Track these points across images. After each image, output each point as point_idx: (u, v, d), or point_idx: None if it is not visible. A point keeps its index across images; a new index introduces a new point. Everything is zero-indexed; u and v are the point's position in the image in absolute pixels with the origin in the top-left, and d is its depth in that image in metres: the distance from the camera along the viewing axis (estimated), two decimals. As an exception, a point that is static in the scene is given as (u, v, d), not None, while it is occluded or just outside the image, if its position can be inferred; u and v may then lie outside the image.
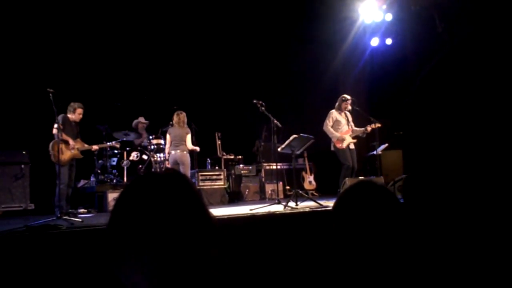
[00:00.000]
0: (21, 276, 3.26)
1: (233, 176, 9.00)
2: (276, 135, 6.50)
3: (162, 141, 8.09)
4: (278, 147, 6.53)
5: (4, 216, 6.47)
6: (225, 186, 8.43)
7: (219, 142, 9.23)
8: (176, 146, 7.19)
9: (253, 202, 8.02)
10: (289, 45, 9.96)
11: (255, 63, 9.91)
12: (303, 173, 9.29)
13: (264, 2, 9.16)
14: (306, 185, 9.12)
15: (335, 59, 10.27)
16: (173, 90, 9.28)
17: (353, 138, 7.36)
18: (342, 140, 7.22)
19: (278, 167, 8.47)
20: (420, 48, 8.81)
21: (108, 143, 7.44)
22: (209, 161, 8.97)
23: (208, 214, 0.92)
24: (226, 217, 4.57)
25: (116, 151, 7.96)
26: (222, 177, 8.29)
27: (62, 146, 6.05)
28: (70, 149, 6.31)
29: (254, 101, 6.36)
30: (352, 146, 7.34)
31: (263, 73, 9.98)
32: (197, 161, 8.32)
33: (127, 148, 8.12)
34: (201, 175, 8.09)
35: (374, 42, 10.08)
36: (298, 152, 6.87)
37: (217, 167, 8.82)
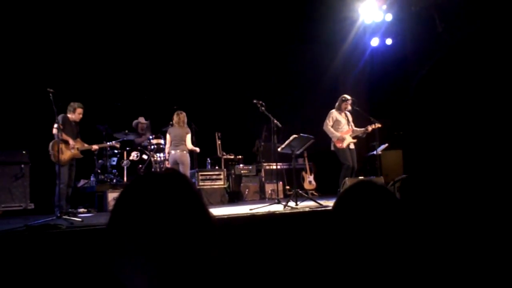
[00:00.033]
0: (21, 276, 3.26)
1: (233, 176, 9.00)
2: (276, 135, 6.50)
3: (162, 141, 8.09)
4: (278, 147, 6.53)
5: (4, 215, 6.47)
6: (225, 186, 8.43)
7: (219, 142, 9.23)
8: (176, 146, 7.19)
9: (253, 202, 8.02)
10: (289, 45, 9.96)
11: (255, 63, 9.91)
12: (303, 173, 9.29)
13: (264, 2, 9.16)
14: (306, 185, 9.12)
15: (335, 59, 10.27)
16: (173, 90, 9.28)
17: (353, 138, 7.36)
18: (342, 139, 7.22)
19: (278, 167, 8.48)
20: (420, 48, 8.81)
21: (108, 143, 7.44)
22: (209, 161, 8.97)
23: (208, 214, 0.92)
24: (226, 217, 4.57)
25: (116, 151, 7.96)
26: (222, 177, 8.29)
27: (62, 146, 6.06)
28: (70, 149, 6.31)
29: (254, 101, 6.36)
30: (352, 146, 7.34)
31: (263, 73, 9.98)
32: (197, 161, 8.32)
33: (127, 148, 8.12)
34: (201, 175, 8.09)
35: (374, 42, 10.08)
36: (298, 152, 6.87)
37: (217, 167, 8.82)
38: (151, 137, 8.23)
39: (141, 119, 8.85)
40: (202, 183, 8.03)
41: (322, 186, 9.22)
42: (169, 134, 7.32)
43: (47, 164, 6.30)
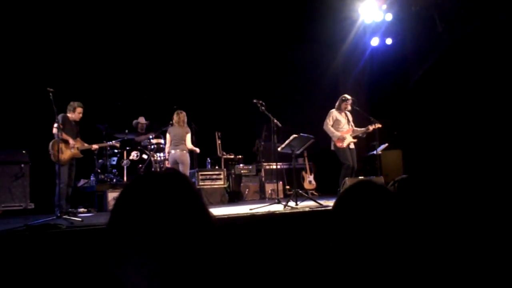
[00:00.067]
0: (21, 275, 3.26)
1: (233, 175, 9.00)
2: (276, 134, 6.50)
3: (162, 141, 8.09)
4: (278, 146, 6.53)
5: (4, 215, 6.47)
6: (225, 185, 8.43)
7: (219, 142, 9.23)
8: (175, 146, 7.19)
9: (253, 201, 8.02)
10: (289, 45, 9.96)
11: (255, 63, 9.90)
12: (303, 172, 9.29)
13: (264, 2, 9.16)
14: (306, 185, 9.12)
15: (335, 59, 10.27)
16: (173, 90, 9.28)
17: (354, 138, 7.36)
18: (342, 139, 7.21)
19: (278, 166, 8.48)
20: (420, 48, 8.81)
21: (108, 143, 7.44)
22: (209, 160, 8.97)
23: (208, 213, 0.92)
24: (226, 216, 4.57)
25: (116, 151, 7.97)
26: (222, 176, 8.28)
27: (62, 145, 6.06)
28: (70, 148, 6.31)
29: (254, 101, 6.36)
30: (352, 146, 7.34)
31: (263, 73, 9.98)
32: (197, 160, 8.32)
33: (127, 148, 8.12)
34: (201, 175, 8.09)
35: (374, 42, 10.08)
36: (298, 152, 6.87)
37: (217, 167, 8.82)
38: (151, 136, 8.23)
39: (141, 119, 8.85)
40: (202, 183, 8.03)
41: (322, 186, 9.22)
42: (169, 133, 7.32)
43: (47, 164, 6.29)
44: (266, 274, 3.80)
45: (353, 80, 10.34)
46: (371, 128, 7.26)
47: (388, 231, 1.18)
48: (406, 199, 1.13)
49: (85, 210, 6.85)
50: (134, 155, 8.06)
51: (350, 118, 7.49)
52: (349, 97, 7.47)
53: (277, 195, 7.09)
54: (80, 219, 4.96)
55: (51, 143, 6.06)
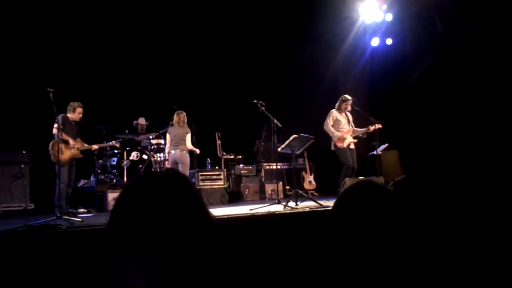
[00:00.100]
0: (21, 276, 3.26)
1: (233, 176, 9.00)
2: (276, 135, 6.50)
3: (162, 141, 8.09)
4: (278, 147, 6.53)
5: (4, 215, 6.47)
6: (225, 186, 8.42)
7: (219, 142, 9.23)
8: (175, 146, 7.19)
9: (253, 202, 8.02)
10: (289, 45, 9.96)
11: (255, 63, 9.91)
12: (303, 173, 9.29)
13: (265, 2, 9.16)
14: (306, 185, 9.11)
15: (335, 59, 10.27)
16: (173, 90, 9.28)
17: (354, 138, 7.36)
18: (343, 139, 7.21)
19: (278, 167, 8.47)
20: (420, 48, 8.82)
21: (108, 143, 7.44)
22: (209, 161, 8.97)
23: (208, 214, 0.92)
24: (226, 217, 4.57)
25: (116, 151, 7.97)
26: (222, 177, 8.28)
27: (62, 145, 6.06)
28: (70, 148, 6.31)
29: (254, 101, 6.36)
30: (352, 146, 7.34)
31: (263, 73, 9.98)
32: (197, 161, 8.32)
33: (127, 148, 8.12)
34: (201, 175, 8.09)
35: (375, 42, 10.09)
36: (298, 152, 6.87)
37: (217, 167, 8.82)
38: (151, 136, 8.23)
39: (141, 120, 8.85)
40: (202, 183, 8.02)
41: (322, 186, 9.22)
42: (169, 134, 7.32)
43: (47, 164, 6.30)
44: (266, 274, 3.80)
45: (353, 80, 10.34)
46: (371, 128, 7.26)
47: (388, 231, 1.18)
48: (403, 199, 1.13)
49: (85, 210, 6.86)
50: (134, 155, 8.06)
51: (351, 119, 7.49)
52: (349, 97, 7.47)
53: (277, 196, 7.08)
54: (80, 220, 4.96)
55: (51, 144, 6.06)
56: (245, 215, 5.03)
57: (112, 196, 6.91)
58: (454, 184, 0.48)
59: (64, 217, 5.00)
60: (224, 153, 9.27)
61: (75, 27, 8.14)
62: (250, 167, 9.18)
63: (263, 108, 6.33)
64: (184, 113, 7.37)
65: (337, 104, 7.46)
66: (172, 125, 7.42)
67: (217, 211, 5.38)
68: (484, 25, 0.49)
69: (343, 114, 7.44)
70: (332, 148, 7.35)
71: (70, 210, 6.21)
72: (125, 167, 7.89)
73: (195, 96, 9.27)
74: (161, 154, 7.96)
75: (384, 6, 9.43)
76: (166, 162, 7.61)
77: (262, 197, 8.80)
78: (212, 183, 8.14)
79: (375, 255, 1.17)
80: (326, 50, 10.15)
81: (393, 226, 1.18)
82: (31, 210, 6.72)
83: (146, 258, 0.83)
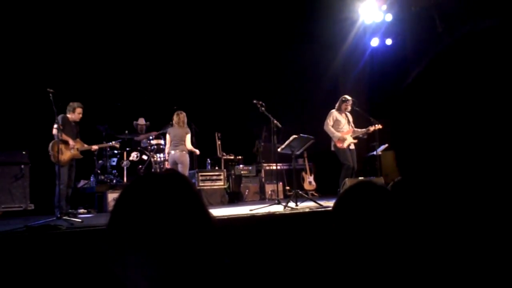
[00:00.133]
0: (21, 276, 3.26)
1: (233, 176, 8.99)
2: (276, 135, 6.50)
3: (162, 141, 8.09)
4: (278, 147, 6.53)
5: (4, 216, 6.47)
6: (225, 186, 8.42)
7: (219, 142, 9.23)
8: (175, 146, 7.19)
9: (253, 202, 8.02)
10: (289, 45, 9.96)
11: (255, 63, 9.91)
12: (303, 173, 9.28)
13: (265, 2, 9.16)
14: (306, 186, 9.11)
15: (335, 60, 10.27)
16: (173, 90, 9.28)
17: (354, 138, 7.36)
18: (343, 140, 7.21)
19: (278, 167, 8.47)
20: (420, 48, 8.82)
21: (108, 143, 7.44)
22: (209, 161, 8.97)
23: (208, 214, 0.92)
24: (226, 217, 4.57)
25: (116, 151, 7.96)
26: (222, 177, 8.28)
27: (62, 146, 6.05)
28: (70, 149, 6.31)
29: (254, 101, 6.36)
30: (352, 147, 7.34)
31: (263, 73, 9.99)
32: (197, 161, 8.32)
33: (127, 148, 8.12)
34: (201, 176, 8.08)
35: (374, 42, 10.09)
36: (298, 153, 6.87)
37: (217, 168, 8.82)
38: (151, 137, 8.23)
39: (141, 121, 8.85)
40: (202, 184, 8.02)
41: (322, 187, 9.21)
42: (169, 134, 7.32)
43: (47, 165, 6.29)
44: (266, 274, 3.80)
45: (353, 80, 10.34)
46: (371, 129, 7.26)
47: (388, 232, 1.18)
48: (401, 200, 1.13)
49: (85, 211, 6.85)
50: (134, 156, 8.06)
51: (351, 119, 7.49)
52: (349, 97, 7.47)
53: (277, 196, 7.08)
54: (80, 220, 4.96)
55: (51, 144, 6.06)
56: (245, 215, 5.02)
57: (112, 196, 6.91)
58: (451, 185, 0.48)
59: (64, 217, 5.00)
60: (224, 154, 9.27)
61: (75, 27, 8.15)
62: (250, 168, 9.18)
63: (263, 108, 6.33)
64: (184, 114, 7.37)
65: (337, 105, 7.46)
66: (172, 125, 7.42)
67: (217, 212, 5.38)
68: (481, 26, 0.49)
69: (343, 114, 7.44)
70: (332, 148, 7.35)
71: (70, 210, 6.20)
72: (125, 168, 7.89)
73: (195, 97, 9.27)
74: (161, 155, 7.95)
75: (384, 7, 9.44)
76: (166, 163, 7.61)
77: (262, 198, 8.80)
78: (212, 184, 8.14)
79: (375, 255, 1.17)
80: (326, 50, 10.15)
81: (393, 227, 1.18)
82: (31, 211, 6.71)
83: (146, 258, 0.83)
